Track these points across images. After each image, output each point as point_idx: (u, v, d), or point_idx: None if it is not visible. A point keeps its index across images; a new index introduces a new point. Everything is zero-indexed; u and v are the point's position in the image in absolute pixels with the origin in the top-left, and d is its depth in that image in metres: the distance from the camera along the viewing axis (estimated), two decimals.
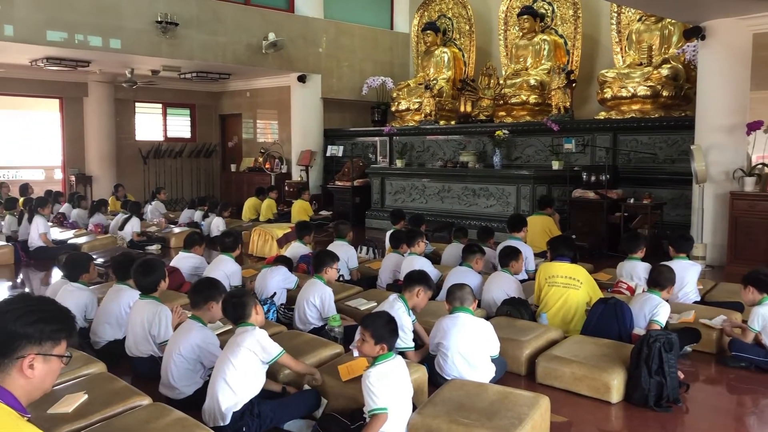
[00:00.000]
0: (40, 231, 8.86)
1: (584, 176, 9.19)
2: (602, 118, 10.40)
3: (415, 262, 6.14)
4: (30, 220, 9.03)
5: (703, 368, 4.60)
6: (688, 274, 5.66)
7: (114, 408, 3.34)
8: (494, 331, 4.11)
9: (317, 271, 5.21)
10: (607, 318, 4.68)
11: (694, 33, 8.05)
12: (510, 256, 5.61)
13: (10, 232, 9.82)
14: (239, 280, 6.21)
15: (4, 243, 9.01)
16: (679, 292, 5.58)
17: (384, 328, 3.30)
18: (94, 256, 6.86)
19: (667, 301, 4.72)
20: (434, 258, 7.17)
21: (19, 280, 7.82)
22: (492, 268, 6.64)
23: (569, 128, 10.43)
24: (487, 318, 4.45)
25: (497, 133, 10.91)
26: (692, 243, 6.07)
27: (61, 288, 5.10)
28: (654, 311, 4.62)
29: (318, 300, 5.03)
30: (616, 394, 3.93)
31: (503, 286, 5.45)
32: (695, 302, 5.59)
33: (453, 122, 12.66)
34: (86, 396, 3.42)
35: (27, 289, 7.49)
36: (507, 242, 6.46)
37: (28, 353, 1.86)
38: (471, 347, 3.99)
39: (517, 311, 5.05)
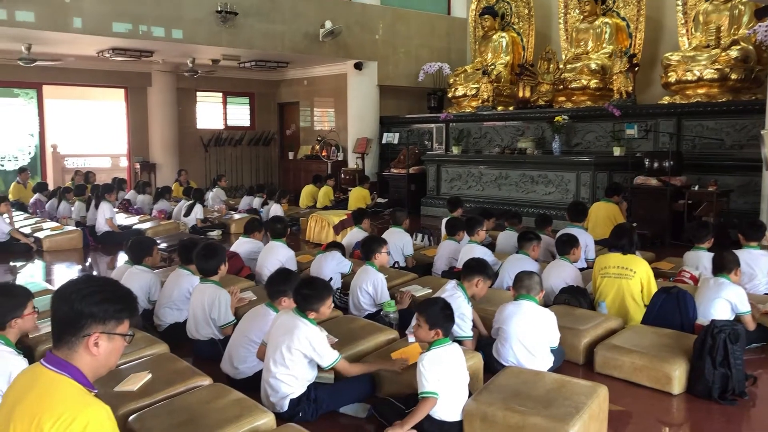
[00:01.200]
0: (106, 216, 9.18)
1: (647, 162, 8.92)
2: (666, 102, 10.07)
3: (475, 250, 6.10)
4: (97, 206, 9.35)
5: None
6: (759, 263, 5.42)
7: (176, 387, 3.45)
8: (556, 322, 4.06)
9: (367, 258, 5.26)
10: (669, 307, 4.55)
11: (767, 12, 7.68)
12: (569, 243, 5.52)
13: (79, 217, 10.22)
14: (294, 265, 6.28)
15: (74, 228, 9.37)
16: (748, 283, 5.36)
17: (439, 314, 3.31)
18: (158, 241, 7.07)
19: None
20: (490, 247, 7.10)
21: (87, 264, 8.14)
22: (550, 256, 6.54)
23: (631, 113, 10.14)
24: (546, 306, 4.38)
25: (557, 118, 10.69)
26: (764, 230, 5.79)
27: (126, 271, 5.28)
28: (735, 302, 4.46)
29: (371, 287, 5.07)
30: (677, 386, 3.82)
31: (562, 274, 5.36)
32: (766, 294, 5.37)
33: (511, 108, 12.48)
34: (150, 375, 3.54)
35: (94, 272, 7.79)
36: (566, 230, 6.36)
37: (93, 331, 1.93)
38: (531, 335, 3.96)
39: (576, 300, 4.98)
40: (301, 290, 3.56)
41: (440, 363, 3.21)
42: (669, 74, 10.17)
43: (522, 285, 4.08)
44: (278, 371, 3.42)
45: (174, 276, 5.03)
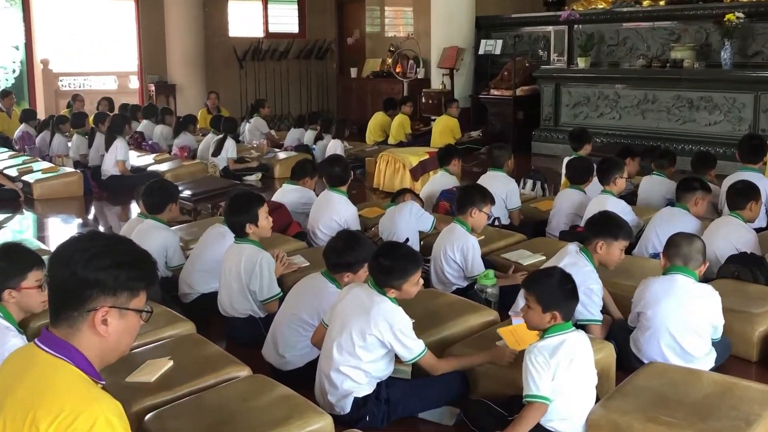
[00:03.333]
0: (119, 158, 9.42)
1: None
2: None
3: (608, 203, 5.97)
4: (107, 143, 9.56)
5: None
6: None
7: (205, 379, 3.56)
8: (720, 305, 3.98)
9: (460, 212, 5.22)
10: None
11: None
12: (744, 194, 5.38)
13: (78, 156, 10.52)
14: (357, 224, 6.29)
15: (72, 169, 9.69)
16: None
17: (556, 290, 3.29)
18: (180, 188, 7.26)
19: None
20: (630, 198, 6.99)
21: (90, 216, 8.44)
22: (714, 211, 6.37)
23: None
24: (706, 281, 4.29)
25: (727, 16, 10.27)
26: None
27: (137, 227, 5.42)
28: None
29: (458, 253, 5.04)
30: None
31: (731, 236, 5.24)
32: None
33: (662, 3, 12.04)
34: (172, 363, 3.65)
35: (100, 227, 8.07)
36: (740, 174, 6.16)
37: (101, 305, 1.96)
38: (688, 325, 3.90)
39: (749, 272, 4.86)
40: (379, 260, 3.58)
41: (556, 357, 3.20)
42: None
43: (678, 253, 3.99)
44: (343, 361, 3.48)
45: (216, 233, 5.18)
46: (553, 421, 3.21)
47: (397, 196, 6.53)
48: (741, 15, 10.27)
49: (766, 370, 4.14)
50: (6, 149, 11.30)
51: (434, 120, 12.15)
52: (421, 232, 5.96)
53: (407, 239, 5.70)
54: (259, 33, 16.67)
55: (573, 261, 4.22)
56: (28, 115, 12.25)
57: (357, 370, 3.49)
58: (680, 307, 3.90)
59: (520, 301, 3.50)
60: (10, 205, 8.67)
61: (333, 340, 3.54)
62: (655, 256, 5.20)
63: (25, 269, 3.38)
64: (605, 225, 4.33)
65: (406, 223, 5.87)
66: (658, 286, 4.00)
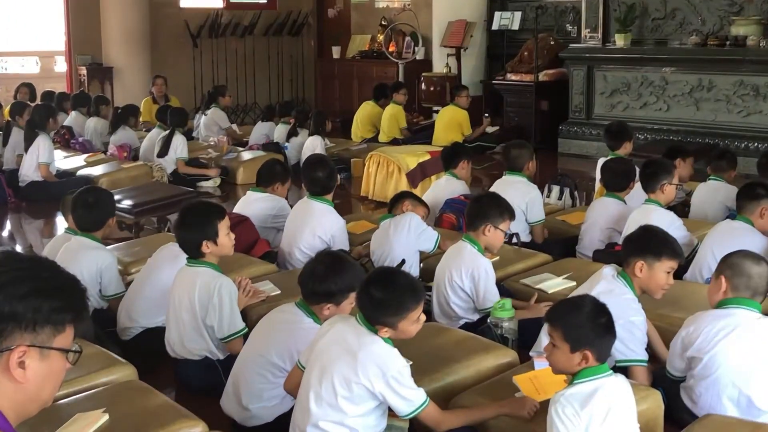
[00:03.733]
0: (41, 160, 9.36)
1: None
2: None
3: (654, 215, 6.01)
4: (27, 141, 9.48)
5: None
6: None
7: None
8: None
9: (471, 228, 5.21)
10: None
11: None
12: None
13: None
14: (345, 241, 6.34)
15: None
16: None
17: (587, 325, 3.29)
18: (117, 197, 7.23)
19: None
20: (681, 209, 7.03)
21: (5, 233, 8.41)
22: None
23: None
24: None
25: None
26: None
27: (63, 246, 5.40)
28: None
29: (467, 279, 5.04)
30: None
31: None
32: None
33: None
34: (107, 417, 3.62)
35: (17, 247, 8.04)
36: None
37: (17, 344, 1.95)
38: (755, 371, 3.90)
39: None
40: (370, 291, 3.51)
41: (589, 408, 3.20)
42: None
43: (741, 280, 3.99)
44: (323, 415, 3.45)
45: (167, 253, 5.16)
46: None
47: (395, 204, 6.44)
48: None
49: None
50: None
51: (437, 112, 12.17)
52: (422, 252, 5.97)
53: (403, 261, 5.72)
54: (218, 3, 16.68)
55: (609, 288, 4.23)
56: None
57: (341, 426, 3.45)
58: (746, 351, 3.88)
59: (544, 338, 3.48)
60: None
61: (310, 388, 3.51)
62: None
63: None
64: (646, 241, 4.33)
65: (405, 240, 5.87)
66: (714, 322, 3.96)
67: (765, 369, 3.90)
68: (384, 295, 3.46)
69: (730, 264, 4.06)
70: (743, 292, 3.95)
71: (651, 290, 4.31)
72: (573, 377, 3.29)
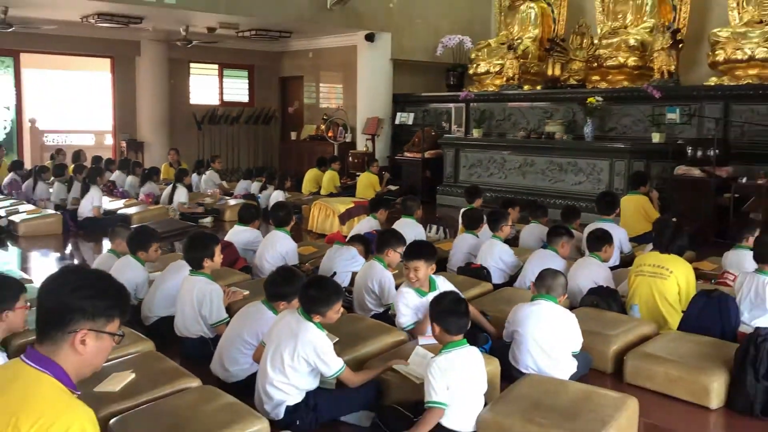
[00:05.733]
0: (94, 204, 9.20)
1: (689, 151, 8.87)
2: (713, 84, 10.00)
3: (495, 247, 6.16)
4: (83, 190, 9.37)
5: None
6: None
7: (162, 389, 3.50)
8: (578, 325, 4.08)
9: (378, 252, 5.20)
10: (709, 313, 4.55)
11: None
12: (602, 240, 5.53)
13: (58, 200, 10.31)
14: (296, 258, 6.32)
15: (53, 211, 9.47)
16: None
17: (444, 310, 3.37)
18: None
19: None
20: (513, 241, 7.14)
21: (67, 252, 8.22)
22: (578, 253, 6.54)
23: (673, 95, 10.08)
24: (571, 309, 4.40)
25: (589, 100, 10.65)
26: None
27: (115, 261, 5.32)
28: None
29: (376, 285, 5.04)
30: (715, 399, 3.83)
31: (591, 273, 5.37)
32: None
33: (539, 87, 12.43)
34: (134, 375, 3.59)
35: (76, 261, 7.86)
36: (597, 224, 6.36)
37: (81, 328, 1.96)
38: (550, 337, 3.99)
39: (605, 302, 4.98)
40: (308, 291, 3.54)
41: (452, 369, 3.23)
42: (716, 52, 10.08)
43: (543, 284, 4.10)
44: (276, 378, 3.44)
45: (175, 266, 5.09)
46: (449, 422, 3.23)
47: (351, 242, 6.33)
48: (600, 99, 10.68)
49: (619, 381, 4.22)
50: None
51: (359, 176, 12.20)
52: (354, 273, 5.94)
53: (334, 273, 5.71)
54: (216, 101, 16.54)
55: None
56: (16, 165, 12.04)
57: (287, 384, 3.45)
58: (544, 326, 3.99)
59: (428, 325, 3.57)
60: None
61: (268, 358, 3.51)
62: (531, 288, 5.31)
63: (17, 292, 3.29)
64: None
65: (340, 262, 5.85)
66: (526, 309, 4.09)
67: (557, 336, 4.00)
68: (317, 293, 3.51)
69: (539, 277, 4.19)
70: (543, 290, 4.09)
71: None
72: (442, 348, 3.34)
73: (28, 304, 3.32)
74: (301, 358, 3.41)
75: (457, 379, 3.23)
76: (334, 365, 3.48)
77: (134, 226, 7.00)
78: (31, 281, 5.48)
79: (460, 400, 3.23)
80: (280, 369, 3.43)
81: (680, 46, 10.69)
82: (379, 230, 5.67)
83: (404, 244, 5.22)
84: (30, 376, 1.92)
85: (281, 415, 3.46)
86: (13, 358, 2.05)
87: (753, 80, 9.63)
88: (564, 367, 3.98)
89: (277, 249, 6.17)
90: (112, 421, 3.19)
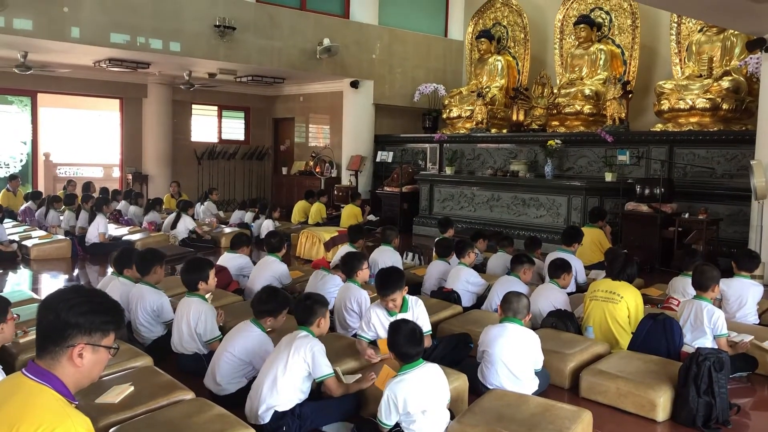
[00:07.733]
0: (100, 230, 9.14)
1: (638, 189, 8.99)
2: (658, 130, 10.17)
3: (462, 272, 6.15)
4: (91, 218, 9.32)
5: (756, 390, 4.45)
6: (749, 293, 5.46)
7: (158, 401, 3.44)
8: (540, 345, 4.07)
9: (349, 276, 5.18)
10: (655, 334, 4.57)
11: (758, 45, 7.80)
12: (562, 268, 5.55)
13: (68, 227, 10.20)
14: (288, 279, 6.31)
15: (63, 237, 9.35)
16: (737, 312, 5.41)
17: (399, 343, 3.34)
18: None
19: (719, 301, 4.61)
20: (481, 268, 7.13)
21: (75, 274, 8.11)
22: (539, 279, 6.56)
23: (624, 140, 10.23)
24: (533, 329, 4.40)
25: (549, 142, 10.78)
26: (758, 262, 5.83)
27: (134, 287, 4.98)
28: (714, 325, 4.51)
29: (355, 304, 5.01)
30: (662, 413, 3.83)
31: (550, 297, 5.38)
32: (754, 324, 5.40)
33: (505, 131, 12.56)
34: (132, 388, 3.52)
35: (82, 282, 7.75)
36: (557, 254, 6.38)
37: (78, 342, 1.93)
38: (516, 358, 3.96)
39: (563, 324, 4.99)
40: (304, 302, 3.73)
41: (408, 390, 3.20)
42: (662, 102, 10.28)
43: (509, 307, 4.08)
44: (268, 381, 3.45)
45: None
46: None
47: (336, 269, 6.20)
48: (559, 141, 10.81)
49: (575, 395, 4.21)
50: (11, 221, 10.86)
51: (343, 207, 12.20)
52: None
53: (319, 295, 5.65)
54: (215, 139, 16.49)
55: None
56: (35, 196, 11.98)
57: (276, 391, 3.43)
58: (511, 346, 3.96)
59: None
60: (9, 264, 8.33)
61: (267, 368, 3.52)
62: (497, 310, 5.29)
63: (5, 307, 3.36)
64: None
65: (325, 288, 5.76)
66: (495, 330, 4.06)
67: (521, 356, 3.98)
68: (309, 306, 3.67)
69: (504, 300, 4.17)
70: (509, 313, 4.06)
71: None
72: (398, 370, 3.34)
73: (17, 315, 3.41)
74: (301, 357, 3.45)
75: (414, 396, 3.20)
76: (324, 368, 3.52)
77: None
78: (41, 300, 5.38)
79: (425, 414, 3.21)
80: (282, 370, 3.44)
81: (630, 96, 10.90)
82: (342, 257, 5.53)
83: (366, 260, 5.28)
84: (30, 388, 1.88)
85: (267, 420, 3.41)
86: (13, 373, 2.00)
87: (694, 127, 9.82)
88: (527, 384, 3.97)
89: (270, 272, 6.14)
90: (111, 430, 3.13)
